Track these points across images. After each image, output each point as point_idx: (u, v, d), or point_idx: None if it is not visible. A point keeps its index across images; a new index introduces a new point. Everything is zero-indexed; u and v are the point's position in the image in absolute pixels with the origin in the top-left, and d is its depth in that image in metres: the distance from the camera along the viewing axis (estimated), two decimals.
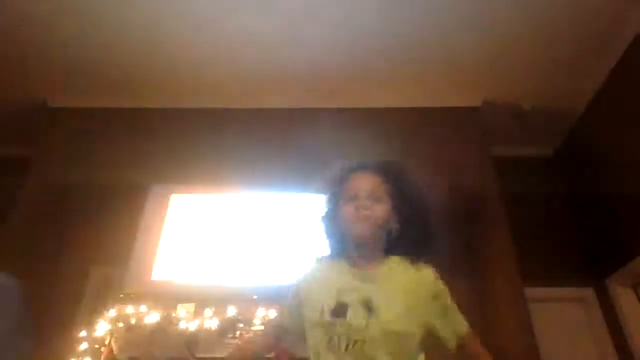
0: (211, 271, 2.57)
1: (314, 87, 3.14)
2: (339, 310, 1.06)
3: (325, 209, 1.28)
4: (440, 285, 1.17)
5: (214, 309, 2.39)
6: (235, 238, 2.67)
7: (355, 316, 1.05)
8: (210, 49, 2.87)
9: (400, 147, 3.07)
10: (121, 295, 2.48)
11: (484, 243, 2.99)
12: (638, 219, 2.68)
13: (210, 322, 2.35)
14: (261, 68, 3.00)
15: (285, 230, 2.65)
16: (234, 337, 2.34)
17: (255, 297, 2.42)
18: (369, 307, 1.05)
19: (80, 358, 2.26)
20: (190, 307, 2.43)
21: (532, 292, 2.68)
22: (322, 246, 1.27)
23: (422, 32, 2.74)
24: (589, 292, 3.09)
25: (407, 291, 1.11)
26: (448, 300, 1.17)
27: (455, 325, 1.16)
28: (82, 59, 2.91)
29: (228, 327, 2.36)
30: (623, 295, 2.93)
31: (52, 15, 2.63)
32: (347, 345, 1.02)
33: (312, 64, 2.98)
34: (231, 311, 2.39)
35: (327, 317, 1.07)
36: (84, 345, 2.29)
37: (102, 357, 2.27)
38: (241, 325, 2.36)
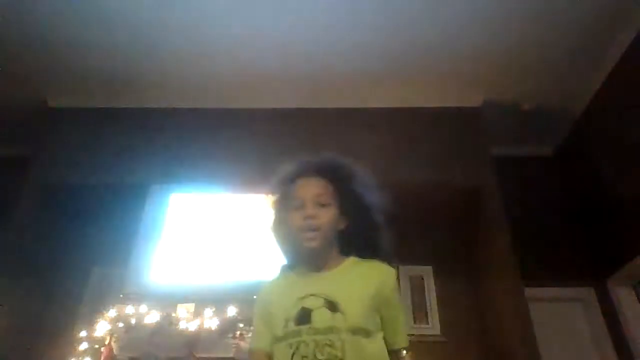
0: (211, 271, 2.57)
1: (314, 87, 3.14)
2: (303, 317, 1.03)
3: (274, 217, 1.27)
4: (393, 285, 1.14)
5: (214, 309, 2.39)
6: (235, 238, 2.67)
7: (320, 319, 1.01)
8: (210, 49, 2.87)
9: (400, 147, 3.07)
10: (121, 295, 2.48)
11: (483, 243, 2.99)
12: (638, 219, 2.68)
13: (210, 322, 2.35)
14: (261, 68, 3.00)
15: None
16: (234, 337, 2.34)
17: (255, 297, 2.41)
18: (333, 306, 1.03)
19: (80, 358, 2.27)
20: (190, 307, 2.43)
21: (532, 292, 2.67)
22: (278, 254, 1.27)
23: (422, 32, 2.74)
24: (589, 292, 3.08)
25: (365, 287, 1.09)
26: (397, 304, 1.13)
27: (396, 335, 1.11)
28: (82, 59, 2.91)
29: (228, 327, 2.36)
30: (623, 295, 2.93)
31: (52, 15, 2.63)
32: (315, 353, 0.98)
33: (312, 64, 2.97)
34: (231, 311, 2.39)
35: (292, 326, 1.03)
36: (84, 345, 2.30)
37: (102, 357, 2.27)
38: (241, 325, 2.36)
